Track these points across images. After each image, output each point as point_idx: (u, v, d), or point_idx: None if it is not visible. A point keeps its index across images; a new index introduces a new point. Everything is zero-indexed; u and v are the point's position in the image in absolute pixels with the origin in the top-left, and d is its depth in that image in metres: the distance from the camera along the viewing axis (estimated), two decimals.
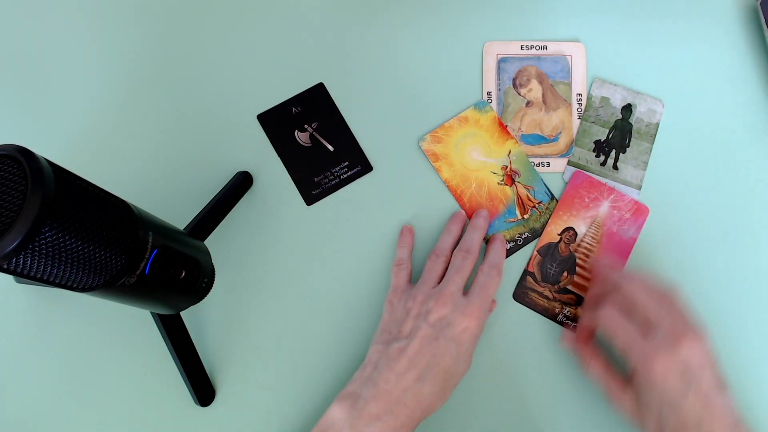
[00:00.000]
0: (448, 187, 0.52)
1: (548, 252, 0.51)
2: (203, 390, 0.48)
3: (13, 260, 0.29)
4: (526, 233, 0.52)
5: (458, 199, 0.52)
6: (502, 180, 0.53)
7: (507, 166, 0.53)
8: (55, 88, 0.56)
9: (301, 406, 0.49)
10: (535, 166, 0.53)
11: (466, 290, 0.46)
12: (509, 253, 0.51)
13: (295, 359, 0.50)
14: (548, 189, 0.52)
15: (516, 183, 0.52)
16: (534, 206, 0.52)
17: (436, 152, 0.53)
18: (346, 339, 0.50)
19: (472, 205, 0.52)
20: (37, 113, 0.55)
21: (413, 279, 0.50)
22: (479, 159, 0.53)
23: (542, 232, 0.51)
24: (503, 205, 0.52)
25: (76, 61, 0.56)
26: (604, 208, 0.52)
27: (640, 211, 0.52)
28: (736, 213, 0.52)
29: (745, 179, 0.53)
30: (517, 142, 0.53)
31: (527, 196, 0.52)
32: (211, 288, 0.45)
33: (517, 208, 0.52)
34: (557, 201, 0.52)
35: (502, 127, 0.53)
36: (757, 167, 0.53)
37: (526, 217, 0.52)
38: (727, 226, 0.52)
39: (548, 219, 0.52)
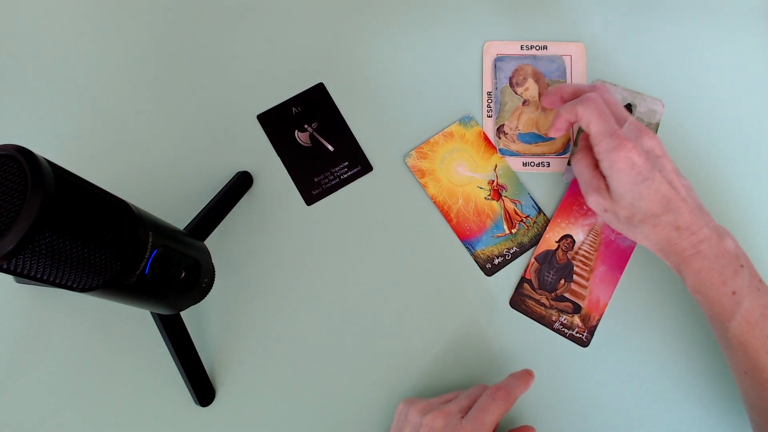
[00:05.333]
0: (434, 203, 0.52)
1: (546, 259, 0.51)
2: (203, 390, 0.48)
3: (13, 260, 0.29)
4: (515, 248, 0.51)
5: (445, 215, 0.52)
6: (489, 195, 0.52)
7: (494, 181, 0.53)
8: (55, 89, 0.56)
9: (300, 406, 0.49)
10: (534, 166, 0.53)
11: None
12: (497, 268, 0.51)
13: (295, 359, 0.50)
14: (535, 203, 0.52)
15: (503, 197, 0.52)
16: (521, 220, 0.52)
17: (422, 168, 0.53)
18: (346, 338, 0.50)
19: (460, 221, 0.52)
20: (37, 113, 0.55)
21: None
22: (465, 174, 0.53)
23: (530, 246, 0.51)
24: (491, 220, 0.52)
25: (75, 62, 0.56)
26: None
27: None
28: (737, 215, 0.52)
29: (746, 180, 0.53)
30: (502, 157, 0.53)
31: (514, 210, 0.52)
32: (211, 288, 0.45)
33: (504, 222, 0.52)
34: (545, 215, 0.52)
35: (488, 142, 0.54)
36: (758, 168, 0.53)
37: (513, 231, 0.52)
38: (728, 228, 0.52)
39: (536, 233, 0.52)
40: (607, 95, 0.45)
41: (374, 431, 0.48)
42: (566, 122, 0.47)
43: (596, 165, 0.45)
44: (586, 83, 0.55)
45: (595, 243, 0.51)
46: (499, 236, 0.52)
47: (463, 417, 0.41)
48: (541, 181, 0.53)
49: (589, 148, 0.46)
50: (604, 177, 0.44)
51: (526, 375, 0.44)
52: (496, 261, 0.51)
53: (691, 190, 0.44)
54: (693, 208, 0.42)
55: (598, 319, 0.50)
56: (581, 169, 0.46)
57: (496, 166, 0.53)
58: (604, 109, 0.44)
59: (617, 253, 0.51)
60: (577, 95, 0.47)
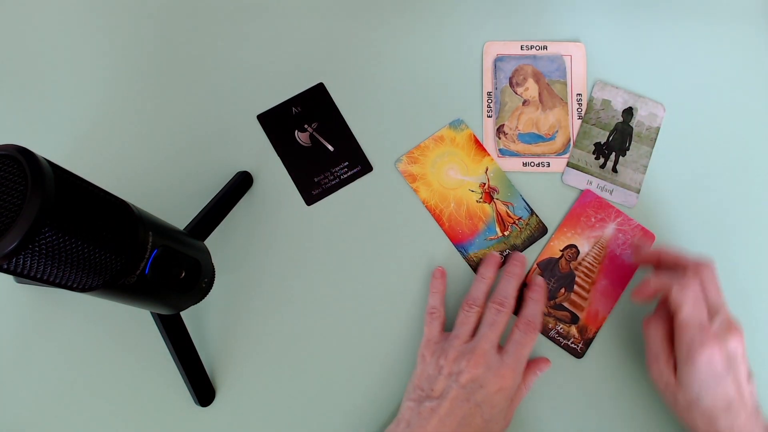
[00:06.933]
0: (426, 207, 0.52)
1: (548, 267, 0.51)
2: (203, 390, 0.48)
3: (13, 260, 0.29)
4: (507, 250, 0.51)
5: (437, 219, 0.52)
6: (481, 197, 0.52)
7: (485, 184, 0.53)
8: (56, 89, 0.56)
9: (300, 405, 0.49)
10: (534, 166, 0.53)
11: (502, 343, 0.46)
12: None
13: (295, 359, 0.50)
14: (527, 204, 0.52)
15: (495, 200, 0.52)
16: (514, 222, 0.52)
17: (413, 173, 0.53)
18: (345, 338, 0.50)
19: (452, 224, 0.52)
20: (37, 113, 0.55)
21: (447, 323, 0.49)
22: (457, 177, 0.53)
23: (523, 249, 0.51)
24: (483, 223, 0.52)
25: (75, 62, 0.56)
26: (609, 229, 0.52)
27: (645, 237, 0.51)
28: (737, 221, 0.52)
29: (746, 187, 0.53)
30: (493, 159, 0.53)
31: (506, 212, 0.52)
32: (211, 288, 0.45)
33: (497, 225, 0.52)
34: (537, 216, 0.52)
35: (478, 145, 0.53)
36: (759, 174, 0.53)
37: (506, 233, 0.52)
38: (727, 235, 0.52)
39: (529, 235, 0.51)
40: (707, 280, 0.43)
41: (374, 430, 0.48)
42: (654, 292, 0.44)
43: (670, 337, 0.44)
44: (586, 84, 0.55)
45: (599, 256, 0.51)
46: (491, 239, 0.52)
47: (498, 352, 0.45)
48: (540, 181, 0.53)
49: (667, 317, 0.44)
50: (674, 354, 0.43)
51: (540, 296, 0.48)
52: None
53: (754, 393, 0.43)
54: (750, 413, 0.42)
55: (595, 332, 0.50)
56: (654, 337, 0.44)
57: (487, 169, 0.53)
58: (700, 298, 0.42)
59: (621, 269, 0.51)
60: (677, 266, 0.44)
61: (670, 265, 0.45)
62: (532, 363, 0.48)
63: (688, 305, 0.41)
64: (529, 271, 0.51)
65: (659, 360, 0.44)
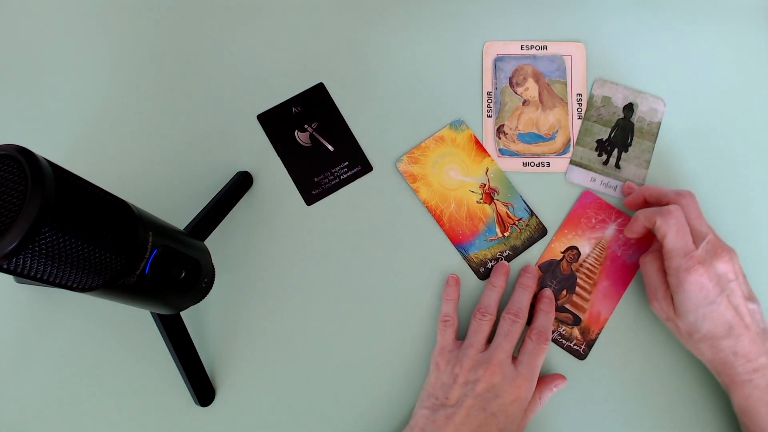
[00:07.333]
0: (426, 207, 0.52)
1: (549, 269, 0.51)
2: (203, 390, 0.48)
3: (13, 260, 0.29)
4: (507, 251, 0.51)
5: (438, 219, 0.52)
6: (481, 198, 0.52)
7: (485, 184, 0.53)
8: (55, 89, 0.56)
9: (300, 405, 0.49)
10: (534, 166, 0.53)
11: (515, 353, 0.46)
12: (491, 272, 0.51)
13: (295, 359, 0.50)
14: (527, 205, 0.52)
15: (495, 201, 0.52)
16: (514, 223, 0.52)
17: (413, 173, 0.53)
18: (345, 338, 0.50)
19: (452, 225, 0.52)
20: (37, 113, 0.55)
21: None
22: (457, 178, 0.53)
23: (523, 249, 0.51)
24: (483, 224, 0.52)
25: (75, 62, 0.56)
26: (610, 230, 0.51)
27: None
28: (739, 214, 0.52)
29: (748, 181, 0.53)
30: (494, 160, 0.53)
31: (507, 213, 0.52)
32: (211, 288, 0.45)
33: (497, 226, 0.52)
34: (537, 217, 0.52)
35: (479, 145, 0.53)
36: (760, 167, 0.53)
37: (506, 234, 0.52)
38: (729, 227, 0.51)
39: (528, 236, 0.51)
40: (690, 209, 0.44)
41: (374, 430, 0.48)
42: (643, 227, 0.46)
43: (665, 270, 0.44)
44: (586, 84, 0.55)
45: (600, 257, 0.51)
46: (492, 240, 0.52)
47: (512, 362, 0.45)
48: (540, 181, 0.53)
49: (660, 253, 0.45)
50: (668, 285, 0.44)
51: (550, 308, 0.48)
52: (489, 265, 0.51)
53: (757, 314, 0.43)
54: (755, 335, 0.42)
55: (598, 333, 0.49)
56: (650, 272, 0.46)
57: (487, 170, 0.53)
58: (684, 225, 0.43)
59: (622, 269, 0.50)
60: (660, 200, 0.46)
61: (655, 202, 0.47)
62: (549, 379, 0.48)
63: (672, 233, 0.42)
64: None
65: (657, 294, 0.45)
